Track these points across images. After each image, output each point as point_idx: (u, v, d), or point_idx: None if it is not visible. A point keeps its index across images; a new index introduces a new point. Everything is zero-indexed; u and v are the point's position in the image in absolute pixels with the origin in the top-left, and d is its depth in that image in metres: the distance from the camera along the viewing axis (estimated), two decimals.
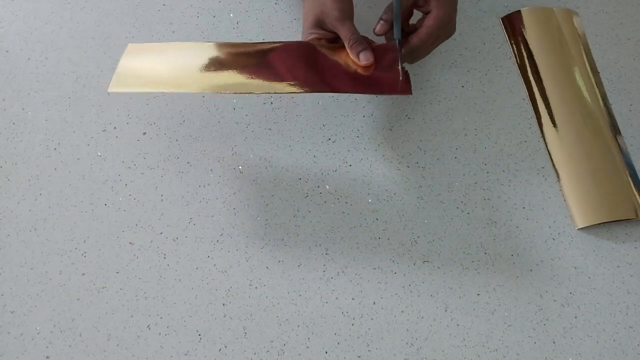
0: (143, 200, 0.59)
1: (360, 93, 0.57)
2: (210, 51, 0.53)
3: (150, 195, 0.59)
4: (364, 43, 0.53)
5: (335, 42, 0.56)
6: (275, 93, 0.59)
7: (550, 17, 0.69)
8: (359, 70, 0.53)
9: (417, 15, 0.59)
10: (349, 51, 0.53)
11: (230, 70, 0.51)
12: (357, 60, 0.52)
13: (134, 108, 0.63)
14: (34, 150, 0.61)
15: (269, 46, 0.54)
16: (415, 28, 0.57)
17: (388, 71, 0.53)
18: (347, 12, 0.53)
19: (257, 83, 0.50)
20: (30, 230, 0.57)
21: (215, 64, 0.52)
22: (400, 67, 0.53)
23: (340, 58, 0.54)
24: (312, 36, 0.55)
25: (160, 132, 0.62)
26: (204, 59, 0.52)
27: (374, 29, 0.57)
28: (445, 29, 0.56)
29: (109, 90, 0.49)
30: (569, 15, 0.70)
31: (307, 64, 0.52)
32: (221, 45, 0.54)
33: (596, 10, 0.72)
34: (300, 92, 0.50)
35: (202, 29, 0.68)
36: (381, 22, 0.56)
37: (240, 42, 0.55)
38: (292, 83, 0.50)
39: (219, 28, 0.68)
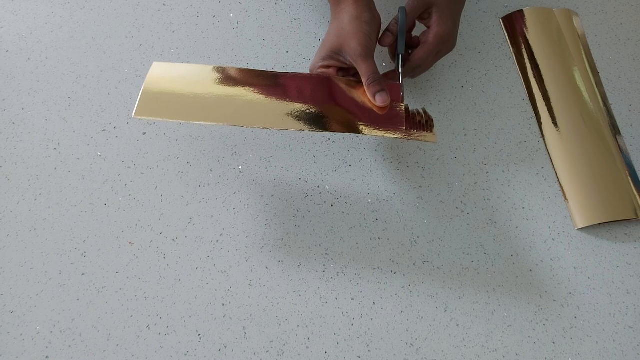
0: (143, 200, 0.59)
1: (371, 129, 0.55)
2: (227, 74, 0.53)
3: (150, 195, 0.59)
4: (382, 84, 0.53)
5: (344, 72, 0.56)
6: (287, 130, 0.58)
7: (550, 18, 0.69)
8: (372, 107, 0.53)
9: (419, 26, 0.60)
10: (366, 89, 0.53)
11: (244, 87, 0.52)
12: (373, 100, 0.53)
13: (134, 108, 0.63)
14: (34, 150, 0.61)
15: (284, 73, 0.54)
16: (417, 40, 0.58)
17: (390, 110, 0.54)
18: (370, 50, 0.53)
19: (272, 112, 0.50)
20: (30, 230, 0.57)
21: (230, 82, 0.52)
22: (401, 83, 0.54)
23: (353, 92, 0.54)
24: (324, 62, 0.55)
25: (160, 132, 0.62)
26: (221, 84, 0.52)
27: (379, 39, 0.57)
28: (446, 44, 0.57)
29: (133, 116, 0.49)
30: (568, 15, 0.70)
31: (317, 89, 0.53)
32: (240, 70, 0.54)
33: (596, 10, 0.72)
34: (310, 131, 0.50)
35: (202, 29, 0.68)
36: (387, 33, 0.57)
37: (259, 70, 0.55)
38: (301, 104, 0.51)
39: (219, 28, 0.68)
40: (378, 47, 0.57)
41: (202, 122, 0.50)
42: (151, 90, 0.51)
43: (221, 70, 0.53)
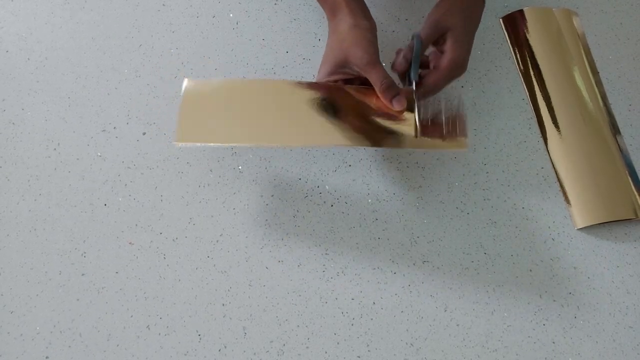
0: (143, 200, 0.59)
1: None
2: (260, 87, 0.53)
3: (150, 196, 0.59)
4: (397, 88, 0.53)
5: (351, 82, 0.56)
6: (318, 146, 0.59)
7: (550, 18, 0.69)
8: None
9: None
10: (380, 95, 0.53)
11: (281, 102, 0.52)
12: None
13: (134, 108, 0.63)
14: (34, 150, 0.61)
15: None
16: (426, 61, 0.57)
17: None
18: (376, 56, 0.53)
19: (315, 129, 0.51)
20: (30, 230, 0.57)
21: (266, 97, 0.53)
22: (416, 109, 0.54)
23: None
24: (331, 77, 0.55)
25: (160, 132, 0.62)
26: (258, 98, 0.52)
27: (393, 64, 0.56)
28: (459, 70, 0.56)
29: (176, 143, 0.48)
30: (568, 15, 0.70)
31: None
32: (274, 82, 0.54)
33: (596, 10, 0.72)
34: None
35: (202, 29, 0.68)
36: (401, 60, 0.56)
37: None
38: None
39: (219, 28, 0.68)
40: (382, 46, 0.56)
41: (246, 144, 0.49)
42: (189, 114, 0.49)
43: (254, 83, 0.53)
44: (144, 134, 0.62)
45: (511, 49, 0.69)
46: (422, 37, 0.55)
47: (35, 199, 0.58)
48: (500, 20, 0.70)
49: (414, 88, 0.55)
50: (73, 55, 0.66)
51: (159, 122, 0.62)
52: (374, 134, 0.52)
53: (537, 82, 0.66)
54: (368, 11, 0.56)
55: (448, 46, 0.55)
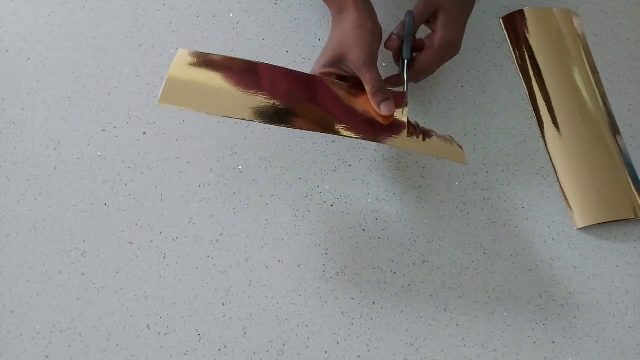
0: (143, 200, 0.59)
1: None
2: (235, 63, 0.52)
3: (150, 195, 0.59)
4: (387, 92, 0.52)
5: (343, 80, 0.55)
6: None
7: (550, 18, 0.69)
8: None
9: (423, 28, 0.59)
10: (370, 98, 0.52)
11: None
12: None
13: (134, 108, 0.63)
14: (34, 150, 0.61)
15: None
16: (421, 43, 0.57)
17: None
18: (374, 58, 0.53)
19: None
20: (30, 230, 0.57)
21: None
22: (405, 89, 0.54)
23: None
24: (325, 70, 0.55)
25: (160, 132, 0.62)
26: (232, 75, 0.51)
27: (385, 42, 0.57)
28: (451, 49, 0.56)
29: (157, 102, 0.48)
30: (568, 15, 0.70)
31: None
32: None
33: (596, 10, 0.72)
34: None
35: (202, 29, 0.68)
36: (393, 36, 0.56)
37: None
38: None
39: (219, 28, 0.68)
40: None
41: (226, 115, 0.49)
42: (177, 77, 0.50)
43: (237, 62, 0.52)
44: (144, 133, 0.62)
45: (511, 49, 0.69)
46: (415, 14, 0.55)
47: (35, 199, 0.58)
48: (500, 20, 0.70)
49: (407, 66, 0.55)
50: (73, 55, 0.66)
51: (159, 122, 0.62)
52: (360, 126, 0.51)
53: (537, 82, 0.66)
54: (375, 14, 0.55)
55: (439, 25, 0.55)
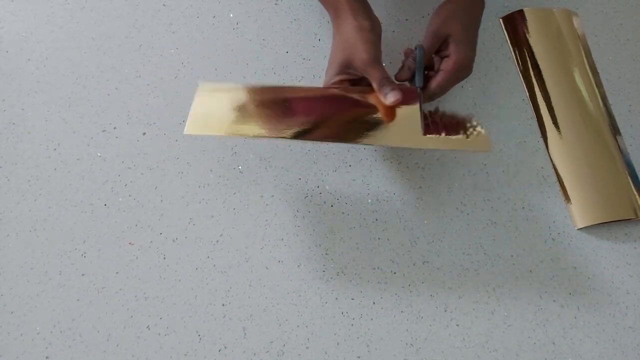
0: (143, 200, 0.59)
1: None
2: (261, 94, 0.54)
3: (150, 196, 0.59)
4: (393, 84, 0.53)
5: (357, 84, 0.56)
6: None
7: (550, 18, 0.69)
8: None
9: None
10: (377, 92, 0.53)
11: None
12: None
13: (134, 108, 0.63)
14: (34, 150, 0.61)
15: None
16: (433, 66, 0.57)
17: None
18: (377, 56, 0.53)
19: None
20: (30, 231, 0.57)
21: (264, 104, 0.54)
22: (420, 114, 0.53)
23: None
24: (337, 78, 0.55)
25: (160, 132, 0.62)
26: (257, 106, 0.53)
27: (396, 75, 0.57)
28: (464, 72, 0.56)
29: (185, 133, 0.50)
30: (568, 15, 0.70)
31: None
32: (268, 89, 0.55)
33: (596, 11, 0.72)
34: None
35: (202, 29, 0.68)
36: (404, 70, 0.56)
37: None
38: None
39: (219, 28, 0.68)
40: (382, 46, 0.56)
41: (252, 136, 0.51)
42: (200, 107, 0.52)
43: (257, 91, 0.54)
44: (144, 134, 0.62)
45: (511, 49, 0.69)
46: (425, 48, 0.56)
47: (35, 199, 0.58)
48: (500, 20, 0.70)
49: (421, 93, 0.55)
50: (73, 55, 0.66)
51: (159, 122, 0.62)
52: (372, 131, 0.52)
53: (537, 82, 0.66)
54: (371, 10, 0.56)
55: (451, 50, 0.55)
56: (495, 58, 0.68)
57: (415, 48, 0.56)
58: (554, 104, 0.65)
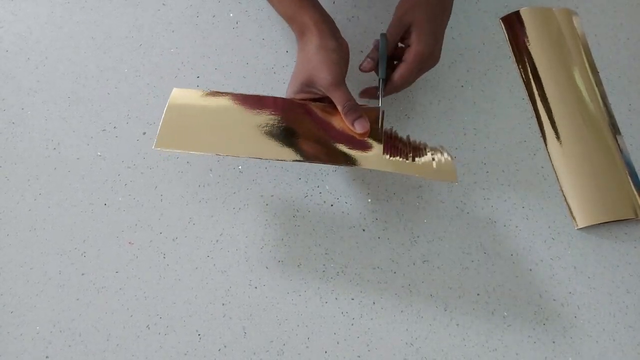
0: (143, 200, 0.59)
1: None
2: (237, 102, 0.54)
3: (150, 195, 0.59)
4: (359, 110, 0.53)
5: (321, 101, 0.56)
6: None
7: (550, 17, 0.69)
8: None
9: None
10: (344, 117, 0.53)
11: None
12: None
13: (134, 108, 0.63)
14: (34, 150, 0.61)
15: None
16: (401, 52, 0.57)
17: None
18: (341, 77, 0.53)
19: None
20: (30, 230, 0.57)
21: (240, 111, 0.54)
22: (380, 107, 0.54)
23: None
24: (298, 96, 0.55)
25: None
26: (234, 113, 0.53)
27: (360, 65, 0.56)
28: (427, 61, 0.56)
29: (154, 147, 0.50)
30: (568, 15, 0.70)
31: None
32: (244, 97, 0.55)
33: (596, 10, 0.72)
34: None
35: (202, 29, 0.68)
36: (368, 59, 0.56)
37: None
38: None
39: (219, 28, 0.68)
40: (353, 49, 0.56)
41: (221, 154, 0.51)
42: (171, 122, 0.52)
43: (233, 97, 0.54)
44: (144, 133, 0.62)
45: (511, 49, 0.69)
46: (388, 35, 0.55)
47: (35, 199, 0.58)
48: (500, 20, 0.70)
49: (383, 85, 0.55)
50: (73, 55, 0.66)
51: (159, 122, 0.62)
52: (338, 153, 0.52)
53: (537, 82, 0.66)
54: (338, 31, 0.55)
55: (413, 39, 0.54)
56: (495, 58, 0.68)
57: (380, 37, 0.56)
58: (554, 103, 0.65)
